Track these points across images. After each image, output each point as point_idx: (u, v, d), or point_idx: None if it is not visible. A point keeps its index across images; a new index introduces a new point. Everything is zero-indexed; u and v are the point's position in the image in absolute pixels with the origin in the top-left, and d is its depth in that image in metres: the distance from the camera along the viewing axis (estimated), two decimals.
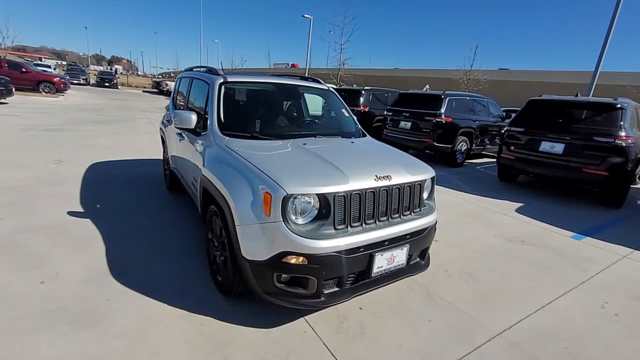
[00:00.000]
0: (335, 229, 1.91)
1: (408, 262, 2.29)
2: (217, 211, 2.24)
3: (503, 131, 6.54)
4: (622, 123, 4.95)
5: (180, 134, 3.41)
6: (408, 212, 2.25)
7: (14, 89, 12.15)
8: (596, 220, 4.74)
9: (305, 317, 2.20)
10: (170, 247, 3.00)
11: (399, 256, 2.15)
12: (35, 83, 16.07)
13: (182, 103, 3.88)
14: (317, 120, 3.60)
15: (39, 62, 30.94)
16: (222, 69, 3.48)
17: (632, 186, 5.64)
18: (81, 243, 2.91)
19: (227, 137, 2.54)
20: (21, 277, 2.37)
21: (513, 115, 7.02)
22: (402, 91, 9.33)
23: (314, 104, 3.69)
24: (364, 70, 27.93)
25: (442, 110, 7.40)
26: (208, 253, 2.59)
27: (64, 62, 67.12)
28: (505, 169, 6.40)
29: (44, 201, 3.75)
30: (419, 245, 2.33)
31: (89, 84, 29.86)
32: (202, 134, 2.78)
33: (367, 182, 2.01)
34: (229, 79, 2.98)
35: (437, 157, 7.80)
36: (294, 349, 1.93)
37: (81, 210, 3.64)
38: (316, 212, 1.91)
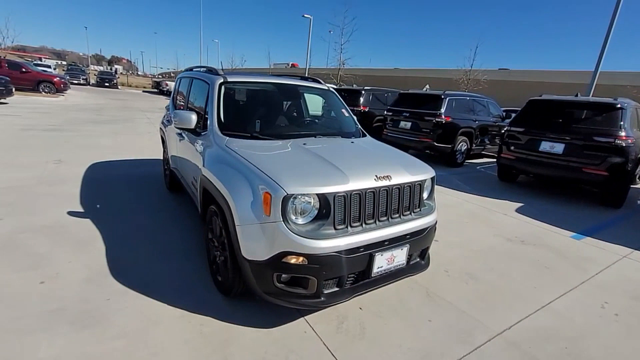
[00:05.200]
0: (335, 229, 1.91)
1: (408, 262, 2.29)
2: (217, 211, 2.24)
3: (503, 131, 6.54)
4: (622, 123, 4.95)
5: (180, 134, 3.41)
6: (408, 212, 2.25)
7: (14, 89, 12.15)
8: (596, 220, 4.74)
9: (305, 317, 2.20)
10: (170, 247, 3.00)
11: (399, 256, 2.15)
12: (35, 83, 16.06)
13: (182, 103, 3.88)
14: (317, 120, 3.60)
15: (39, 62, 30.93)
16: (222, 69, 3.48)
17: (632, 186, 5.63)
18: (81, 243, 2.91)
19: (227, 137, 2.54)
20: (21, 277, 2.37)
21: (513, 115, 7.02)
22: (402, 91, 9.33)
23: (314, 104, 3.69)
24: (364, 70, 27.92)
25: (442, 110, 7.40)
26: (208, 253, 2.59)
27: (64, 62, 67.11)
28: (505, 169, 6.40)
29: (44, 201, 3.75)
30: (419, 245, 2.33)
31: (89, 84, 29.85)
32: (202, 134, 2.78)
33: (367, 182, 2.01)
34: (229, 79, 2.98)
35: (437, 157, 7.80)
36: (294, 349, 1.93)
37: (81, 210, 3.64)
38: (316, 212, 1.91)
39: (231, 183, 2.08)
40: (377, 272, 2.08)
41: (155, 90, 31.89)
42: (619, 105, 5.10)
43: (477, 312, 2.40)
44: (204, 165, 2.52)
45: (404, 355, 1.96)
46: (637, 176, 6.21)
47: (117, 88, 30.30)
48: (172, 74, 57.59)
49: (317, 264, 1.84)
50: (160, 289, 2.37)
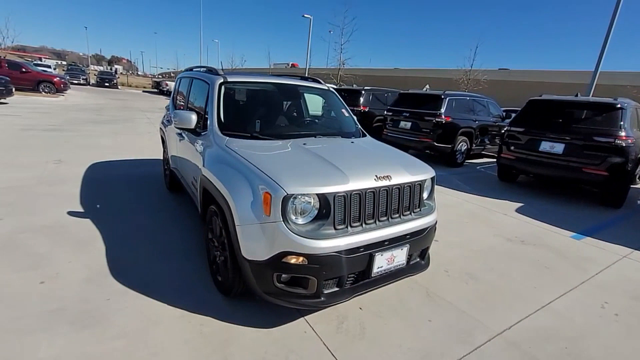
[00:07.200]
0: (335, 229, 1.91)
1: (408, 262, 2.29)
2: (217, 211, 2.24)
3: (503, 131, 6.54)
4: (622, 123, 4.95)
5: (180, 134, 3.41)
6: (408, 212, 2.25)
7: (14, 89, 12.15)
8: (596, 220, 4.74)
9: (305, 317, 2.20)
10: (170, 247, 3.00)
11: (399, 256, 2.15)
12: (35, 83, 16.06)
13: (182, 103, 3.88)
14: (317, 120, 3.60)
15: (39, 62, 30.92)
16: (222, 69, 3.48)
17: (632, 186, 5.64)
18: (81, 243, 2.91)
19: (227, 137, 2.54)
20: (21, 277, 2.37)
21: (513, 115, 7.02)
22: (402, 91, 9.33)
23: (314, 104, 3.69)
24: (364, 70, 27.92)
25: (442, 110, 7.40)
26: (208, 253, 2.59)
27: (64, 62, 67.11)
28: (505, 169, 6.40)
29: (44, 201, 3.75)
30: (419, 245, 2.33)
31: (89, 84, 29.85)
32: (202, 134, 2.78)
33: (367, 182, 2.01)
34: (229, 79, 2.98)
35: (437, 157, 7.80)
36: (294, 349, 1.93)
37: (81, 210, 3.64)
38: (316, 212, 1.91)
39: (231, 183, 2.08)
40: (377, 272, 2.08)
41: (155, 90, 31.88)
42: (619, 105, 5.09)
43: (477, 312, 2.40)
44: (204, 165, 2.52)
45: (404, 355, 1.96)
46: (637, 176, 6.21)
47: (117, 88, 30.29)
48: (172, 74, 57.58)
49: (317, 264, 1.84)
50: (160, 289, 2.37)
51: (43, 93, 16.07)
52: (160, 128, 4.78)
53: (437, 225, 2.52)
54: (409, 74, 29.98)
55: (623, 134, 4.88)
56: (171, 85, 24.61)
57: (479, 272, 3.00)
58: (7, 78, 11.86)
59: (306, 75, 4.38)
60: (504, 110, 9.51)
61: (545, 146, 5.47)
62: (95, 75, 34.15)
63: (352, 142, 2.92)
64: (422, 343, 2.06)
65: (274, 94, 3.41)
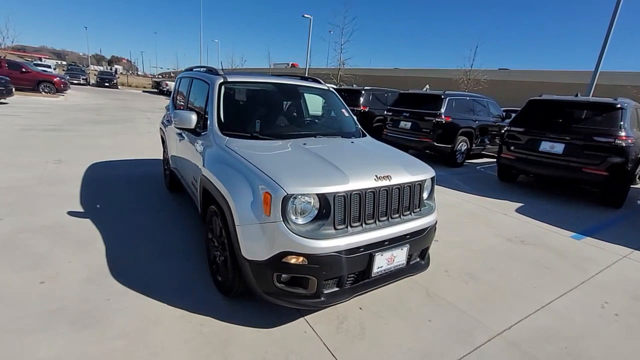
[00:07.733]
0: (335, 229, 1.91)
1: (408, 262, 2.29)
2: (217, 211, 2.24)
3: (503, 131, 6.54)
4: (622, 123, 4.95)
5: (180, 134, 3.42)
6: (408, 212, 2.25)
7: (14, 89, 12.15)
8: (596, 220, 4.74)
9: (305, 317, 2.20)
10: (170, 247, 3.00)
11: (399, 256, 2.15)
12: (35, 83, 16.06)
13: (182, 103, 3.88)
14: (317, 120, 3.60)
15: (39, 62, 30.92)
16: (222, 69, 3.48)
17: (632, 186, 5.64)
18: (81, 243, 2.91)
19: (227, 137, 2.54)
20: (21, 277, 2.37)
21: (513, 115, 7.02)
22: (402, 91, 9.33)
23: (314, 104, 3.69)
24: (364, 70, 27.92)
25: (442, 110, 7.40)
26: (208, 253, 2.59)
27: (64, 62, 67.12)
28: (505, 169, 6.40)
29: (44, 201, 3.75)
30: (419, 245, 2.33)
31: (89, 84, 29.84)
32: (202, 134, 2.78)
33: (367, 182, 2.01)
34: (229, 79, 2.98)
35: (437, 157, 7.80)
36: (294, 349, 1.93)
37: (81, 210, 3.64)
38: (316, 212, 1.91)
39: (231, 183, 2.08)
40: (377, 272, 2.08)
41: (155, 90, 31.87)
42: (619, 105, 5.10)
43: (477, 312, 2.40)
44: (204, 165, 2.52)
45: (404, 355, 1.96)
46: (637, 176, 6.21)
47: (117, 88, 30.29)
48: (172, 74, 57.57)
49: (317, 264, 1.84)
50: (160, 289, 2.37)
51: (43, 93, 16.07)
52: (160, 128, 4.78)
53: (437, 225, 2.52)
54: (409, 74, 29.98)
55: (623, 134, 4.88)
56: (171, 85, 24.61)
57: (479, 272, 3.00)
58: (7, 78, 11.86)
59: (306, 75, 4.38)
60: (504, 110, 9.51)
61: (545, 146, 5.47)
62: (95, 75, 34.14)
63: (352, 142, 2.92)
64: (422, 343, 2.07)
65: (274, 94, 3.41)
